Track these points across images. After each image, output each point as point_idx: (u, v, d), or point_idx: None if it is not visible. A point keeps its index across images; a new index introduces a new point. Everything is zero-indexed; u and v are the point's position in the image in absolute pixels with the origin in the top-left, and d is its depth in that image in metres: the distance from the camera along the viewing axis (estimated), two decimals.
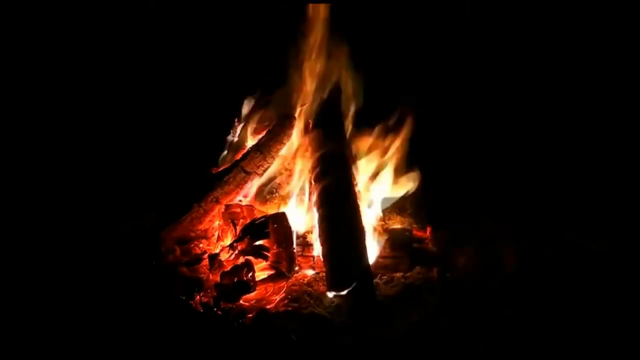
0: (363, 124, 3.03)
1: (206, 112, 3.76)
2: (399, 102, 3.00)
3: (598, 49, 3.75)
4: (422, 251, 2.71)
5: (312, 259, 2.65)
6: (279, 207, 2.81)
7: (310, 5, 2.89)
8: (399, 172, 2.88)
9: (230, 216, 2.66)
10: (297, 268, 2.55)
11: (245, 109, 3.15)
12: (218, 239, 2.71)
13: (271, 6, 3.82)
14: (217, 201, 2.72)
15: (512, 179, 3.33)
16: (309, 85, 2.98)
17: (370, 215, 2.84)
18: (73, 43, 4.00)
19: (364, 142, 2.95)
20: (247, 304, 2.29)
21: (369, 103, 3.07)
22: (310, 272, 2.61)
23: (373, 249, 2.65)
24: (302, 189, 2.85)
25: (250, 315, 2.19)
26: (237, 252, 2.44)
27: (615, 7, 3.67)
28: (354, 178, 2.76)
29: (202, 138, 3.46)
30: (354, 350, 1.98)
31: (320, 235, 2.51)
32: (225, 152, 3.11)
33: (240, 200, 2.85)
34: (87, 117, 3.83)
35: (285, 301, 2.33)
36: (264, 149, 2.82)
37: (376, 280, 2.51)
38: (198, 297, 2.30)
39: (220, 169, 2.92)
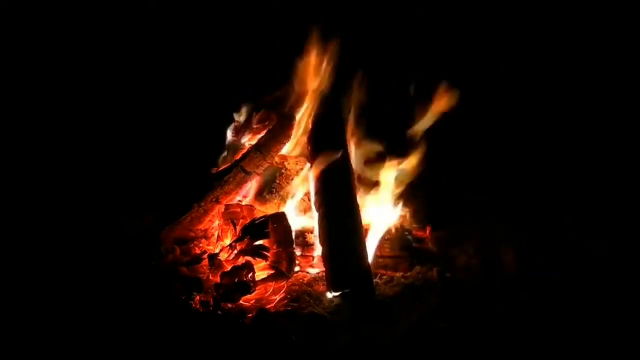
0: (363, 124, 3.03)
1: (206, 113, 3.76)
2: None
3: (599, 51, 3.75)
4: (422, 251, 2.71)
5: (312, 259, 2.65)
6: (279, 207, 2.81)
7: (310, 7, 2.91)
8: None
9: (230, 216, 2.66)
10: (297, 268, 2.55)
11: (242, 116, 3.15)
12: (218, 239, 2.71)
13: (272, 6, 3.82)
14: (217, 201, 2.72)
15: (512, 178, 3.33)
16: (310, 86, 2.98)
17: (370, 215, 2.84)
18: (73, 43, 4.00)
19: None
20: (247, 304, 2.30)
21: (370, 103, 3.07)
22: (310, 272, 2.61)
23: (373, 249, 2.65)
24: (302, 189, 2.85)
25: (250, 315, 2.19)
26: (237, 252, 2.44)
27: (615, 7, 3.68)
28: (354, 178, 2.76)
29: (202, 138, 3.45)
30: (354, 351, 1.98)
31: (320, 235, 2.51)
32: (225, 152, 3.11)
33: (240, 200, 2.85)
34: (87, 118, 3.83)
35: (285, 301, 2.33)
36: (264, 149, 2.81)
37: (376, 280, 2.51)
38: (198, 297, 2.29)
39: (220, 169, 2.92)
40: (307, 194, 2.83)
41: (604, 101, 3.68)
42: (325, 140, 2.80)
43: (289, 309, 2.26)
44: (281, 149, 2.90)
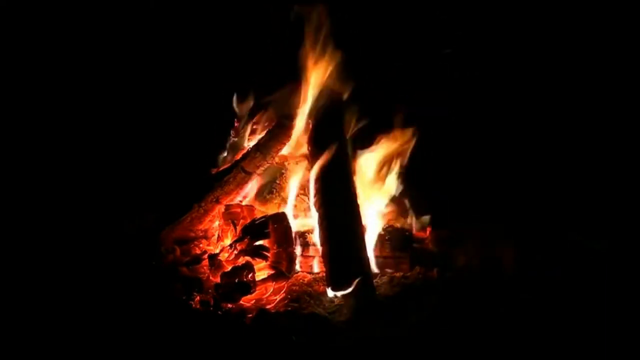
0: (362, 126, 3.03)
1: (206, 113, 3.76)
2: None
3: (598, 55, 3.75)
4: (422, 251, 2.71)
5: (312, 259, 2.65)
6: (279, 207, 2.81)
7: (311, 6, 2.91)
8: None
9: (230, 216, 2.66)
10: (297, 268, 2.55)
11: (238, 107, 3.14)
12: (218, 239, 2.71)
13: (272, 6, 3.82)
14: (217, 201, 2.72)
15: (512, 178, 3.32)
16: (309, 86, 2.98)
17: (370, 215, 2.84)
18: (73, 44, 4.00)
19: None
20: (247, 304, 2.30)
21: (369, 104, 3.07)
22: (310, 272, 2.61)
23: (373, 248, 2.65)
24: (302, 189, 2.85)
25: (250, 315, 2.19)
26: (237, 252, 2.44)
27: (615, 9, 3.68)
28: (354, 177, 2.76)
29: (202, 138, 3.46)
30: (354, 350, 1.98)
31: (320, 235, 2.51)
32: (225, 152, 3.11)
33: (240, 200, 2.85)
34: (87, 118, 3.83)
35: (285, 301, 2.33)
36: (264, 149, 2.81)
37: (376, 280, 2.51)
38: (198, 297, 2.30)
39: (220, 169, 2.92)
40: (307, 194, 2.83)
41: (604, 101, 3.68)
42: (325, 139, 2.80)
43: (289, 309, 2.26)
44: (281, 149, 2.90)
